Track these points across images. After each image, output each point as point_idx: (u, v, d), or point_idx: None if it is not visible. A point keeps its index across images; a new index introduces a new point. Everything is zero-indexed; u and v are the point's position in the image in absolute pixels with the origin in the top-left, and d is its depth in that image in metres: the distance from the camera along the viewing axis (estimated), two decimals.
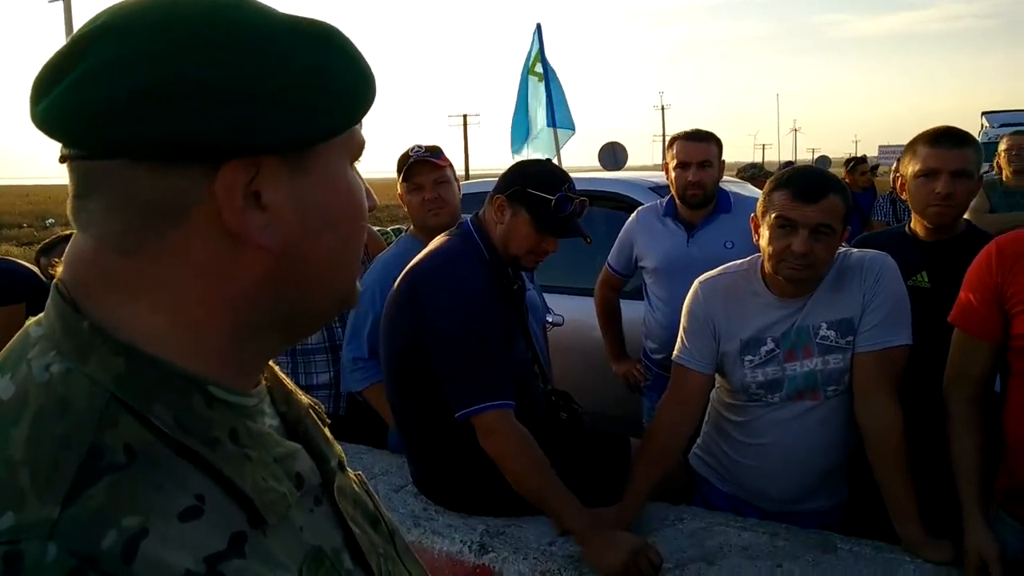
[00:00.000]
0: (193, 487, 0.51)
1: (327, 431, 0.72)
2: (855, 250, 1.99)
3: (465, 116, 50.42)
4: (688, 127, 3.02)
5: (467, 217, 2.18)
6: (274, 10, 0.58)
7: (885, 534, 1.87)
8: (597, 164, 17.88)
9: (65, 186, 0.58)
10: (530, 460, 1.89)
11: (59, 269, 0.59)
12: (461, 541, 1.97)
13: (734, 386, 2.01)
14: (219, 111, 0.52)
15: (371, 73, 0.63)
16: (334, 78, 0.58)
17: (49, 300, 0.58)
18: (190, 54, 0.52)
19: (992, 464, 1.79)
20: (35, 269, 3.41)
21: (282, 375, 0.72)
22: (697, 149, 2.88)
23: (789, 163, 6.98)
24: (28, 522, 0.46)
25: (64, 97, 0.52)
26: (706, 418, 2.18)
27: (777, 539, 1.88)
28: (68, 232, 3.06)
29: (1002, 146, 4.57)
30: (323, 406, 2.40)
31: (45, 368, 0.53)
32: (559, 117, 6.05)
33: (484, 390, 1.90)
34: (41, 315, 0.58)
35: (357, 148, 0.63)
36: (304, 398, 0.72)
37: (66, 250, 0.59)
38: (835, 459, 2.00)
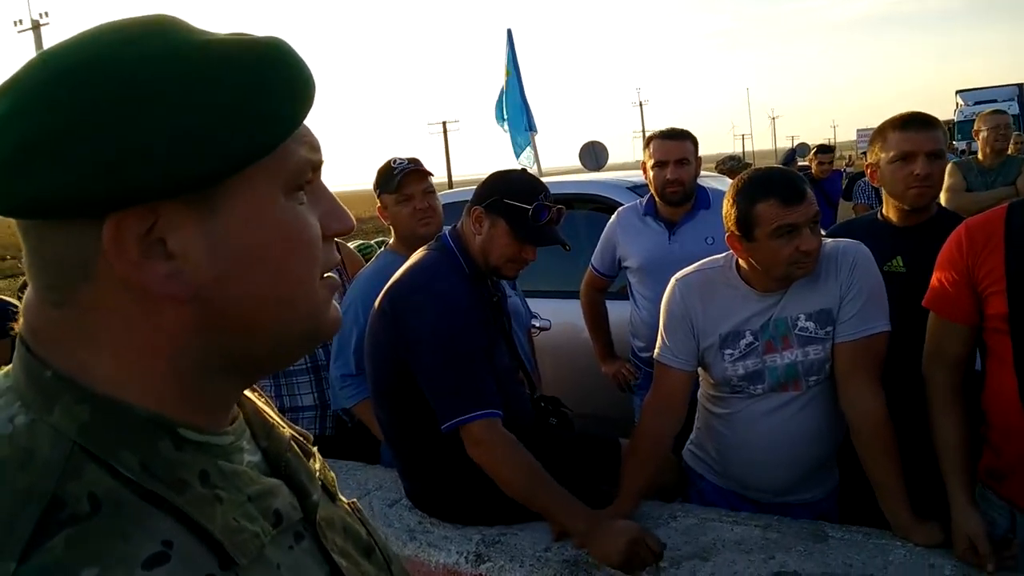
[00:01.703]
0: (160, 533, 0.50)
1: (312, 463, 0.71)
2: (829, 240, 2.01)
3: (445, 123, 50.41)
4: (667, 121, 3.08)
5: (446, 230, 2.20)
6: (176, 33, 0.54)
7: (877, 520, 1.89)
8: (578, 164, 17.92)
9: None
10: (520, 465, 1.90)
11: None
12: (457, 552, 1.98)
13: (717, 380, 2.03)
14: (85, 165, 0.49)
15: (296, 85, 0.57)
16: (227, 105, 0.53)
17: (15, 351, 0.57)
18: (60, 109, 0.50)
19: (975, 444, 1.81)
20: (18, 304, 3.38)
21: (263, 407, 0.70)
22: (674, 147, 2.91)
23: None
24: None
25: None
26: (696, 415, 2.20)
27: (769, 531, 1.90)
28: None
29: (983, 125, 4.58)
30: (311, 428, 2.40)
31: (9, 420, 0.53)
32: (531, 121, 6.15)
33: (469, 401, 1.91)
34: (9, 366, 0.58)
35: (294, 172, 0.58)
36: (286, 430, 0.71)
37: (23, 297, 0.60)
38: (822, 448, 2.03)
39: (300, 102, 0.57)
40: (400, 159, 2.69)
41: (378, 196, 2.73)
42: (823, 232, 2.02)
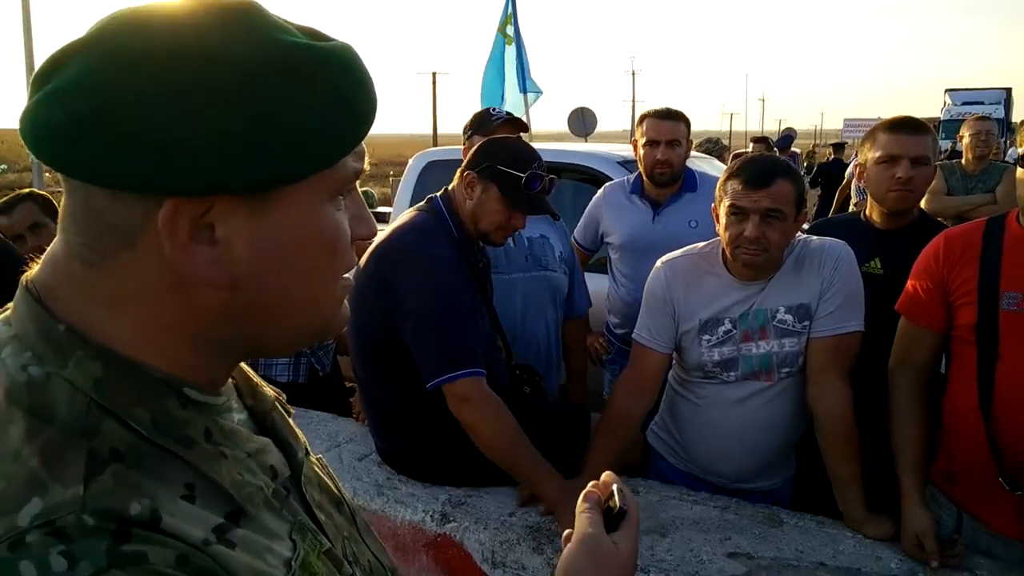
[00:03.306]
0: (183, 477, 0.55)
1: (292, 422, 0.75)
2: (815, 238, 2.05)
3: (435, 74, 49.64)
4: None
5: (436, 194, 2.20)
6: (262, 27, 0.55)
7: (829, 510, 1.96)
8: (566, 128, 17.84)
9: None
10: (504, 426, 1.94)
11: (33, 267, 0.60)
12: (423, 511, 2.02)
13: (690, 364, 2.07)
14: (162, 152, 0.51)
15: (364, 104, 0.59)
16: (306, 119, 0.55)
17: (18, 298, 0.58)
18: (144, 89, 0.51)
19: (931, 447, 1.88)
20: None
21: (246, 367, 0.73)
22: (666, 128, 2.92)
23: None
24: (56, 503, 0.49)
25: (32, 111, 0.53)
26: (663, 396, 2.24)
27: (727, 512, 1.97)
28: (28, 190, 2.99)
29: (967, 131, 4.63)
30: (284, 376, 2.43)
31: (23, 368, 0.54)
32: (528, 82, 6.11)
33: (456, 359, 1.93)
34: (7, 313, 0.59)
35: (342, 181, 0.60)
36: (269, 390, 0.75)
37: (47, 249, 0.60)
38: (785, 438, 2.09)
39: (368, 122, 0.60)
40: (499, 109, 2.86)
41: (468, 138, 2.81)
42: (805, 226, 2.05)
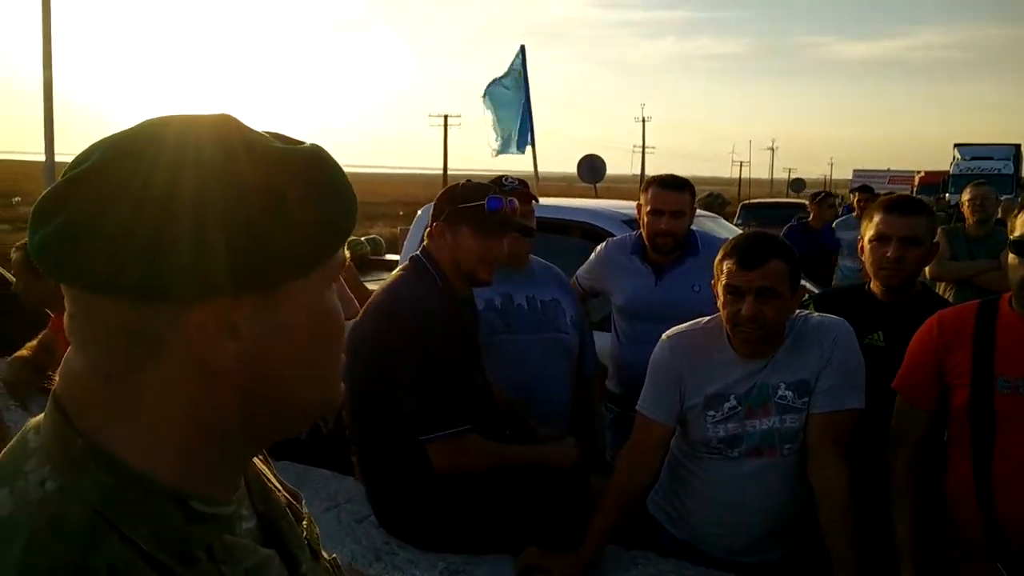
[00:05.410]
0: None
1: (303, 526, 0.77)
2: (816, 314, 2.08)
3: (446, 117, 50.35)
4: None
5: (416, 252, 2.27)
6: (255, 145, 0.59)
7: None
8: (574, 173, 17.97)
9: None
10: (483, 458, 2.07)
11: (56, 379, 0.63)
12: None
13: (695, 439, 2.08)
14: (190, 261, 0.55)
15: (351, 196, 0.65)
16: (306, 216, 0.60)
17: (47, 409, 0.61)
18: (151, 206, 0.55)
19: (935, 524, 1.88)
20: (11, 278, 3.35)
21: (262, 467, 0.76)
22: (671, 198, 2.92)
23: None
24: None
25: (50, 239, 0.56)
26: (665, 465, 2.25)
27: None
28: None
29: (966, 196, 4.69)
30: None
31: (40, 484, 0.57)
32: (528, 136, 6.25)
33: (442, 418, 2.00)
34: (40, 419, 0.62)
35: (338, 267, 0.66)
36: (282, 494, 0.76)
37: (63, 360, 0.63)
38: (788, 514, 2.08)
39: (356, 208, 0.65)
40: (511, 178, 2.74)
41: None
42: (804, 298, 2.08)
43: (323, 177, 0.62)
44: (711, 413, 2.03)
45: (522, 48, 6.10)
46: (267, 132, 0.63)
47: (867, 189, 7.54)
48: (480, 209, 2.13)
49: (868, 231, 2.33)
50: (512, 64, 6.22)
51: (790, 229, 6.90)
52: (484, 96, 6.41)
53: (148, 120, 0.60)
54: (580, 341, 2.85)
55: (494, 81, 6.32)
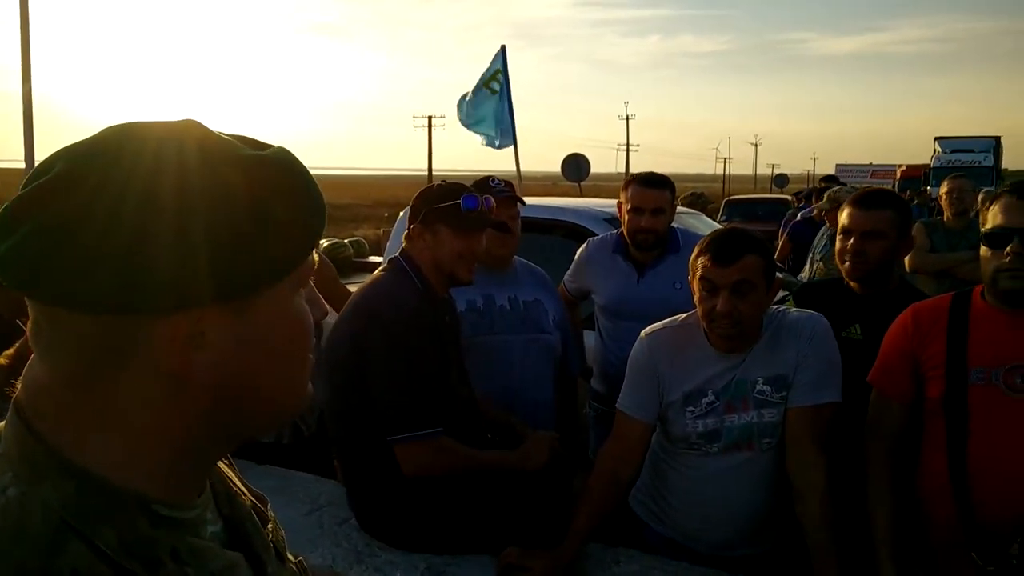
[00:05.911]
0: None
1: (268, 528, 0.76)
2: (793, 310, 2.09)
3: (430, 118, 50.30)
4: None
5: (396, 255, 2.27)
6: (226, 150, 0.59)
7: None
8: (558, 172, 18.01)
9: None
10: (453, 461, 2.07)
11: (18, 387, 0.62)
12: None
13: (675, 435, 2.08)
14: (172, 274, 0.54)
15: (320, 198, 0.64)
16: (280, 221, 0.59)
17: (8, 417, 0.61)
18: (127, 218, 0.54)
19: (911, 517, 1.89)
20: None
21: (227, 472, 0.75)
22: (651, 196, 2.93)
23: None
24: None
25: (11, 252, 0.55)
26: (646, 463, 2.25)
27: None
28: None
29: (943, 189, 4.73)
30: (267, 436, 2.41)
31: (2, 491, 0.56)
32: (511, 133, 6.25)
33: (415, 419, 2.01)
34: (1, 426, 0.62)
35: (308, 272, 0.65)
36: (247, 498, 0.76)
37: (24, 370, 0.62)
38: (768, 509, 2.09)
39: (324, 211, 0.64)
40: (498, 180, 2.70)
41: None
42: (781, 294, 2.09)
43: (293, 181, 0.62)
44: (690, 409, 2.03)
45: (502, 48, 6.11)
46: (231, 136, 0.62)
47: (832, 179, 7.82)
48: (456, 208, 2.15)
49: (839, 224, 2.36)
50: (491, 64, 6.22)
51: (796, 223, 6.93)
52: (466, 99, 6.40)
53: (111, 128, 0.59)
54: (563, 341, 2.85)
55: (477, 86, 6.32)
